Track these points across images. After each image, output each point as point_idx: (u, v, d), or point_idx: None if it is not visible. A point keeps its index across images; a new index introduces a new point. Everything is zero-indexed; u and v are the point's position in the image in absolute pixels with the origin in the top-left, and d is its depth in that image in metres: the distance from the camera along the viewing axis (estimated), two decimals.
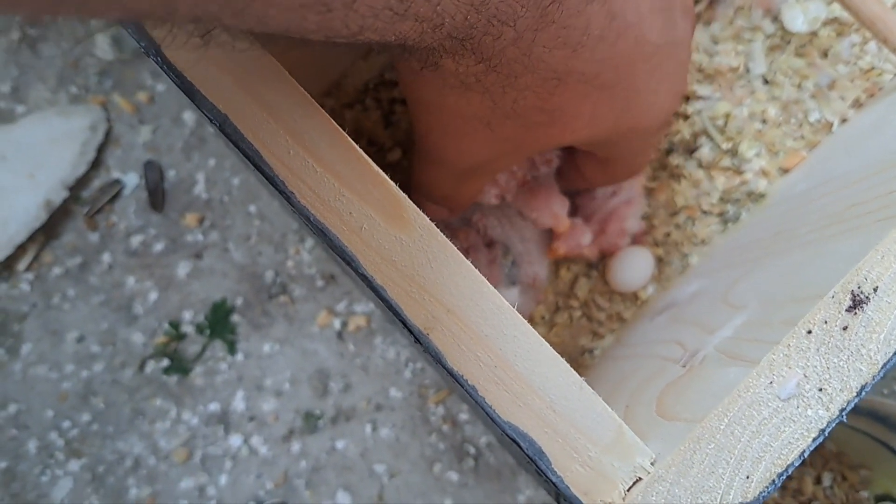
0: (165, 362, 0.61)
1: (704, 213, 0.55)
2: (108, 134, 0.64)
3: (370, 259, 0.28)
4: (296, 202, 0.29)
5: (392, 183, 0.29)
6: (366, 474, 0.61)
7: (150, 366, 0.62)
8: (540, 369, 0.27)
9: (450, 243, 0.29)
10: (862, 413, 0.51)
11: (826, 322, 0.27)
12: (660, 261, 0.56)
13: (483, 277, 0.28)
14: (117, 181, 0.64)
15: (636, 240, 0.56)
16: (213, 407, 0.61)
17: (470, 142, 0.38)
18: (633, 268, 0.54)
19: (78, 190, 0.64)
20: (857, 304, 0.28)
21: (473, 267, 0.28)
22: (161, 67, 0.29)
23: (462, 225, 0.57)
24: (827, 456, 0.54)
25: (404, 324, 0.27)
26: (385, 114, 0.58)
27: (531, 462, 0.26)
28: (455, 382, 0.27)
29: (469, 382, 0.27)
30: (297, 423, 0.61)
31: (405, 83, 0.37)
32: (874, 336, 0.27)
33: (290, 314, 0.63)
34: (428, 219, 0.29)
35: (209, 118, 0.29)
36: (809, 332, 0.27)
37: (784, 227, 0.43)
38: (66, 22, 0.65)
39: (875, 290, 0.28)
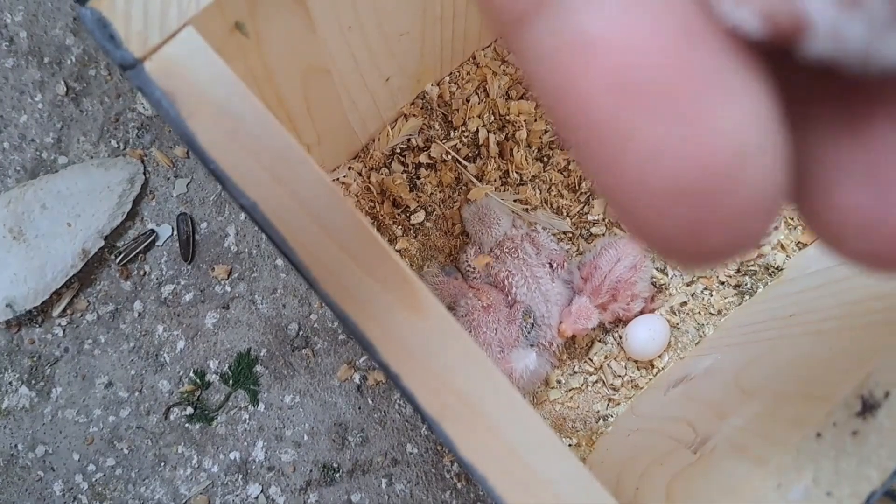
0: (189, 410, 0.63)
1: (721, 283, 0.56)
2: (144, 186, 0.67)
3: (387, 346, 0.29)
4: (319, 289, 0.30)
5: (410, 271, 0.31)
6: None
7: (175, 413, 0.63)
8: (550, 463, 0.28)
9: (463, 330, 0.30)
10: None
11: (836, 425, 0.28)
12: (676, 329, 0.56)
13: (494, 366, 0.29)
14: (151, 232, 0.66)
15: (648, 304, 0.57)
16: (234, 455, 0.62)
17: None
18: (649, 336, 0.55)
19: (113, 239, 0.66)
20: (867, 408, 0.28)
21: (486, 356, 0.29)
22: (195, 153, 0.31)
23: (485, 283, 0.58)
24: None
25: (418, 410, 0.28)
26: (410, 177, 0.60)
27: None
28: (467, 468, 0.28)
29: (479, 472, 0.28)
30: (315, 475, 0.62)
31: None
32: (885, 442, 0.27)
33: (311, 367, 0.64)
34: (443, 306, 0.30)
35: (240, 205, 0.31)
36: (819, 434, 0.28)
37: (799, 310, 0.43)
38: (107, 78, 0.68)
39: (886, 395, 0.28)
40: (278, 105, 0.44)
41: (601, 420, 0.56)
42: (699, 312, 0.56)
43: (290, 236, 0.30)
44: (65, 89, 0.68)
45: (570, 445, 0.55)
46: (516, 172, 0.59)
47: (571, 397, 0.57)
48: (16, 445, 0.63)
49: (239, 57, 0.36)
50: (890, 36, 0.09)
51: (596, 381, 0.57)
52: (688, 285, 0.57)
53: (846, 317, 0.36)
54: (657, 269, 0.58)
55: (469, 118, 0.59)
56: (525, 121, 0.59)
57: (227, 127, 0.31)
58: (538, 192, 0.59)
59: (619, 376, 0.57)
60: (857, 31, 0.09)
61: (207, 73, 0.31)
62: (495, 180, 0.59)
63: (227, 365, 0.64)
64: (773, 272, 0.54)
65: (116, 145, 0.68)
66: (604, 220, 0.59)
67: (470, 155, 0.60)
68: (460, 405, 0.29)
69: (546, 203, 0.60)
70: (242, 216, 0.66)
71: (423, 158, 0.59)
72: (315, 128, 0.50)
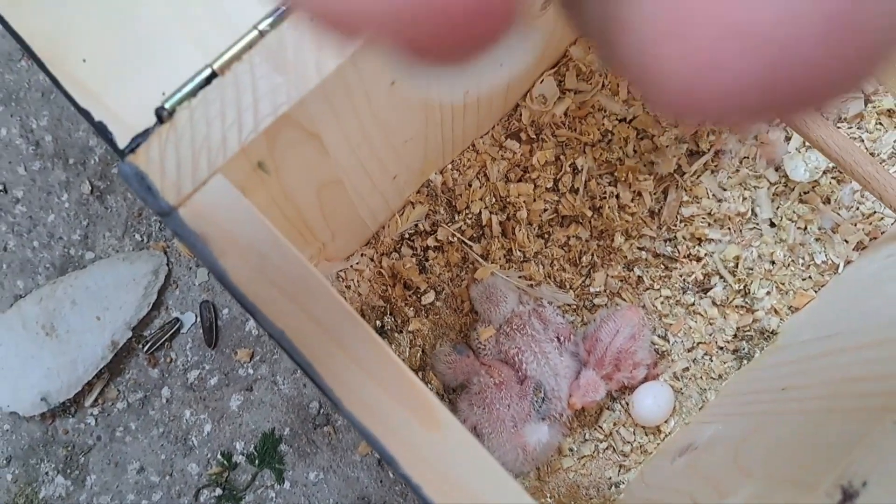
0: (218, 491, 0.66)
1: (720, 348, 0.59)
2: (168, 277, 0.70)
3: (407, 459, 0.32)
4: (342, 407, 0.33)
5: (427, 389, 0.34)
6: None
7: (205, 495, 0.66)
8: None
9: (477, 442, 0.33)
10: None
11: None
12: (679, 394, 0.59)
13: (507, 475, 0.32)
14: (176, 320, 0.69)
15: (652, 370, 0.60)
16: None
17: None
18: (654, 402, 0.58)
19: (140, 329, 0.69)
20: (847, 497, 0.31)
21: (500, 465, 0.32)
22: (227, 288, 0.35)
23: (496, 359, 0.61)
24: None
25: None
26: (419, 260, 0.63)
27: None
28: None
29: None
30: None
31: None
32: None
33: (333, 443, 0.67)
34: (458, 420, 0.33)
35: (269, 333, 0.34)
36: None
37: (790, 383, 0.46)
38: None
39: (864, 484, 0.31)
40: (297, 217, 0.47)
41: (613, 487, 0.58)
42: (701, 377, 0.59)
43: (315, 360, 0.34)
44: (90, 188, 0.73)
45: None
46: (519, 250, 0.63)
47: (584, 465, 0.60)
48: None
49: (261, 189, 0.40)
50: None
51: (606, 448, 0.60)
52: (688, 351, 0.60)
53: (832, 397, 0.39)
54: (658, 336, 0.61)
55: (472, 201, 0.63)
56: (524, 201, 0.62)
57: (254, 263, 0.34)
58: (541, 267, 0.63)
59: (629, 442, 0.59)
60: None
61: (235, 215, 0.35)
62: (500, 258, 0.63)
63: (252, 445, 0.67)
64: (768, 336, 0.57)
65: (140, 239, 0.72)
66: (605, 291, 0.62)
67: (474, 236, 0.63)
68: None
69: (549, 277, 0.63)
70: None
71: (430, 242, 0.63)
72: (329, 227, 0.54)
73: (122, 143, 0.37)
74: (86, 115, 0.39)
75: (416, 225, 0.63)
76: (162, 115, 0.36)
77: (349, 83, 0.39)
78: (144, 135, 0.36)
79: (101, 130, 0.38)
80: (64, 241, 0.72)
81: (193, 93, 0.36)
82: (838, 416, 0.37)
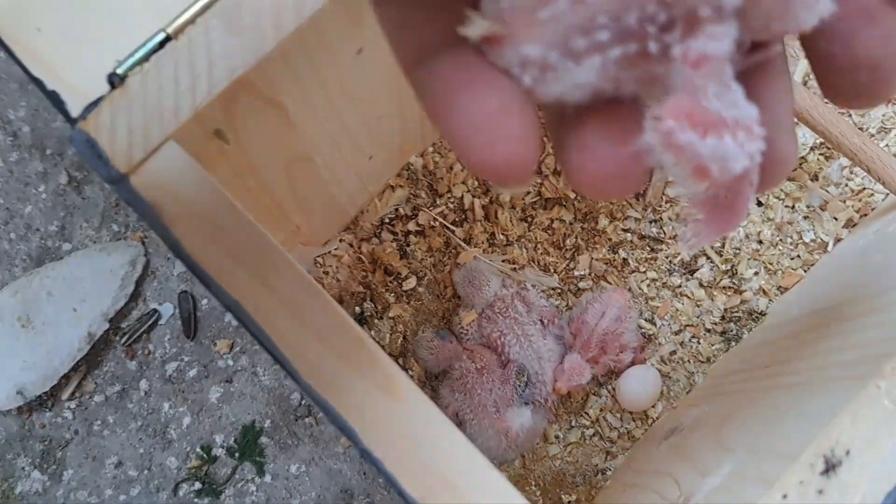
0: (198, 485, 0.64)
1: (707, 331, 0.57)
2: (146, 267, 0.69)
3: (369, 433, 0.31)
4: (300, 379, 0.32)
5: (389, 359, 0.32)
6: None
7: (184, 489, 0.64)
8: None
9: (441, 413, 0.31)
10: None
11: (801, 483, 0.29)
12: (667, 378, 0.58)
13: (474, 448, 0.30)
14: (154, 311, 0.68)
15: (639, 354, 0.58)
16: None
17: None
18: (641, 387, 0.56)
19: (118, 321, 0.68)
20: (830, 467, 0.29)
21: (464, 437, 0.31)
22: (180, 258, 0.33)
23: (479, 344, 0.60)
24: None
25: (402, 495, 0.30)
26: (400, 245, 0.62)
27: None
28: None
29: None
30: None
31: None
32: (848, 499, 0.29)
33: (315, 435, 0.65)
34: (421, 391, 0.31)
35: (223, 304, 0.33)
36: (785, 496, 0.29)
37: (775, 360, 0.44)
38: None
39: (847, 453, 0.29)
40: (264, 194, 0.46)
41: (599, 474, 0.57)
42: (689, 361, 0.57)
43: (272, 332, 0.32)
44: (67, 179, 0.71)
45: (569, 502, 0.56)
46: (502, 234, 0.61)
47: (570, 452, 0.58)
48: None
49: (221, 160, 0.39)
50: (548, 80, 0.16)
51: (593, 435, 0.58)
52: (675, 334, 0.58)
53: (817, 369, 0.37)
54: (644, 319, 0.59)
55: (454, 185, 0.61)
56: None
57: (208, 232, 0.33)
58: (524, 251, 0.61)
59: (615, 428, 0.58)
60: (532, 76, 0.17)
61: (189, 183, 0.33)
62: (482, 243, 0.61)
63: (232, 438, 0.65)
64: (756, 317, 0.56)
65: (118, 229, 0.70)
66: (590, 274, 0.61)
67: (457, 220, 0.62)
68: (443, 487, 0.30)
69: (533, 261, 0.61)
70: None
71: (411, 226, 0.61)
72: (303, 209, 0.52)
73: (75, 112, 0.36)
74: (39, 84, 0.38)
75: (397, 209, 0.62)
76: (114, 81, 0.35)
77: (310, 47, 0.38)
78: (97, 103, 0.35)
79: (54, 100, 0.37)
80: (41, 232, 0.71)
81: (146, 57, 0.34)
82: (823, 387, 0.35)
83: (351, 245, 0.61)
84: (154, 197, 0.33)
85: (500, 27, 0.16)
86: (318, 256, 0.60)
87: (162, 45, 0.35)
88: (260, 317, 0.33)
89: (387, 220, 0.62)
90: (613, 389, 0.59)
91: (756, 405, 0.40)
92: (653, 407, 0.57)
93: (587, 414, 0.59)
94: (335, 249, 0.60)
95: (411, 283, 0.61)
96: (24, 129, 0.73)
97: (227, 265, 0.33)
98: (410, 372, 0.58)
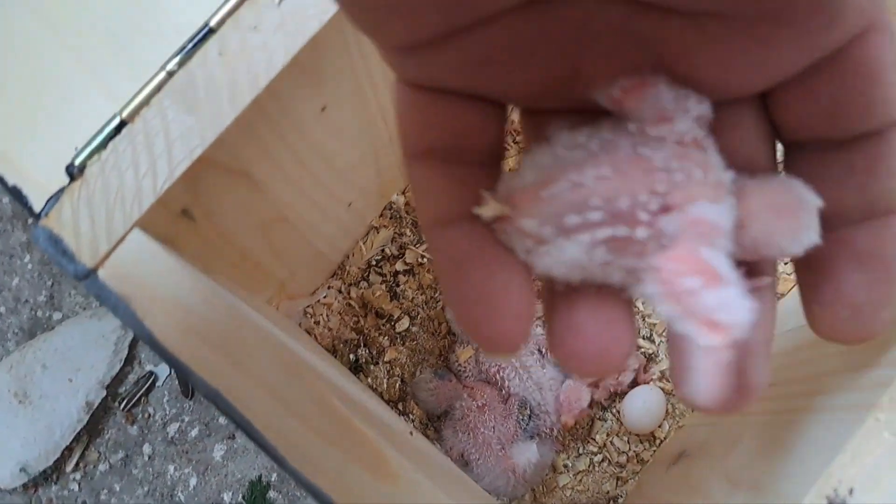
0: None
1: None
2: None
3: None
4: (288, 466, 0.31)
5: (378, 439, 0.31)
6: None
7: None
8: None
9: (438, 492, 0.30)
10: None
11: None
12: (671, 396, 0.57)
13: None
14: (150, 373, 0.67)
15: (640, 374, 0.57)
16: None
17: None
18: (644, 408, 0.55)
19: (114, 387, 0.67)
20: None
21: None
22: (156, 351, 0.32)
23: (479, 380, 0.59)
24: None
25: None
26: (390, 286, 0.61)
27: None
28: None
29: None
30: None
31: None
32: None
33: None
34: (414, 471, 0.31)
35: (204, 395, 0.32)
36: None
37: (776, 378, 0.44)
38: None
39: (850, 491, 0.28)
40: (243, 259, 0.45)
41: (611, 502, 0.56)
42: None
43: (254, 419, 0.32)
44: None
45: None
46: None
47: (580, 480, 0.57)
48: None
49: (192, 236, 0.38)
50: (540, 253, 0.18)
51: (602, 461, 0.57)
52: None
53: (816, 394, 0.37)
54: (643, 337, 0.59)
55: None
56: None
57: (180, 319, 0.32)
58: None
59: (623, 452, 0.57)
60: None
61: (158, 271, 0.33)
62: None
63: (240, 495, 0.65)
64: None
65: None
66: None
67: None
68: None
69: None
70: None
71: (399, 266, 0.61)
72: (286, 265, 0.52)
73: (38, 206, 0.35)
74: (0, 180, 0.37)
75: (383, 250, 0.61)
76: (72, 172, 0.34)
77: (271, 115, 0.37)
78: (58, 195, 0.34)
79: (16, 195, 0.36)
80: (30, 303, 0.70)
81: (103, 145, 0.34)
82: (823, 415, 0.35)
83: (339, 291, 0.60)
84: (124, 290, 0.32)
85: (508, 209, 0.18)
86: (308, 307, 0.59)
87: (118, 130, 0.34)
88: (240, 404, 0.32)
89: (374, 263, 0.61)
90: (618, 412, 0.58)
91: (760, 433, 0.39)
92: (659, 427, 0.56)
93: (594, 440, 0.58)
94: (324, 297, 0.60)
95: (404, 323, 0.60)
96: (3, 201, 0.73)
97: (203, 353, 0.33)
98: (411, 416, 0.58)
